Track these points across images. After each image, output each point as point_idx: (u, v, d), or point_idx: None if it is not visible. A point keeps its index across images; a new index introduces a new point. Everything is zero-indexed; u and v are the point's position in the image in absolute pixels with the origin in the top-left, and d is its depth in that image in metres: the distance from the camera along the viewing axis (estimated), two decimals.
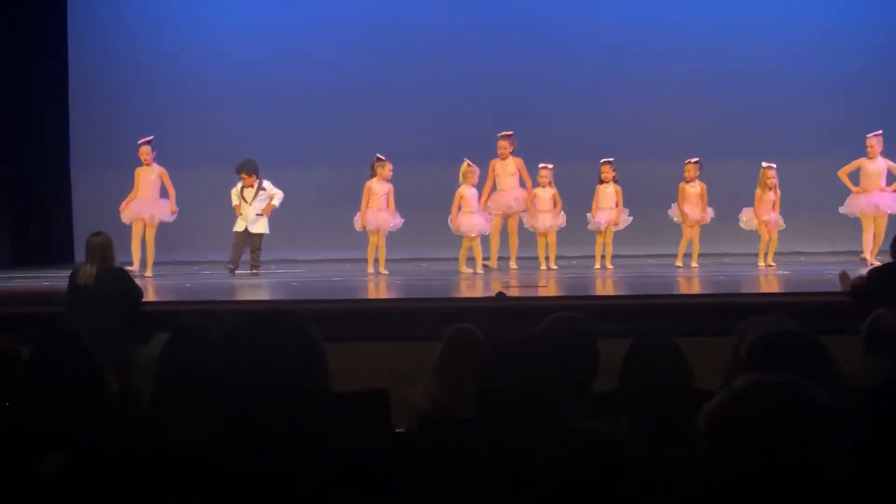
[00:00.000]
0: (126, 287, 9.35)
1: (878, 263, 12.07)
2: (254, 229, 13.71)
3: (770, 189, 13.51)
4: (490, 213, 13.77)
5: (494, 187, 13.86)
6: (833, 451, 2.50)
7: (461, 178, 13.63)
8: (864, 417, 3.05)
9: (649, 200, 14.33)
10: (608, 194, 13.85)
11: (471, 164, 13.63)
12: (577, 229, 14.04)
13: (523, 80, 16.11)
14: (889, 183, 13.56)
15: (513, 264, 13.93)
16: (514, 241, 13.95)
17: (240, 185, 13.79)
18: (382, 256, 13.68)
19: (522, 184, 13.88)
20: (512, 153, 13.83)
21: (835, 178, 13.70)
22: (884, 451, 2.89)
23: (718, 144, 15.34)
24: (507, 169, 13.80)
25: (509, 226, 13.92)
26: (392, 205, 13.65)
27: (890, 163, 13.56)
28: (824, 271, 12.74)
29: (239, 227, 13.78)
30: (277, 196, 13.75)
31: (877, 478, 2.79)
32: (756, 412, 2.50)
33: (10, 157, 16.01)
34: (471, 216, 13.61)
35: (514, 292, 10.86)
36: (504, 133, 13.89)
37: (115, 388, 4.64)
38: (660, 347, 4.64)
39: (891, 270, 8.37)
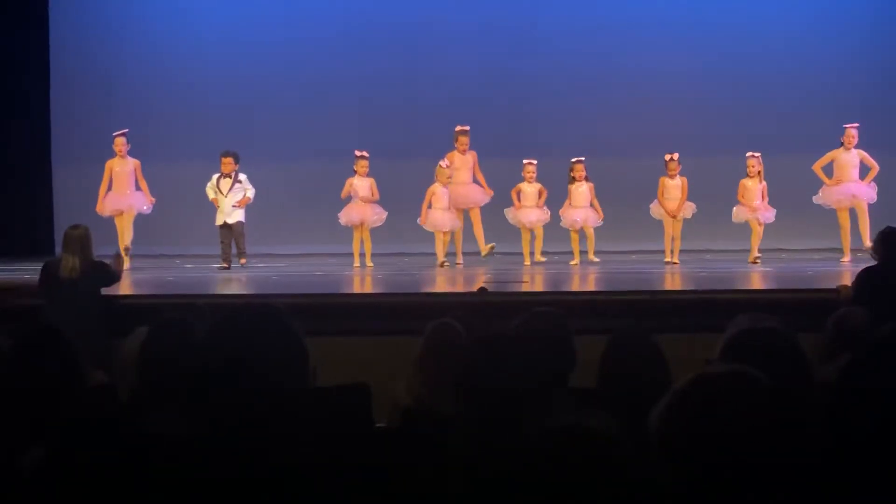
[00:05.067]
0: (109, 279, 9.34)
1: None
2: (231, 220, 13.71)
3: (752, 178, 13.58)
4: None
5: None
6: (782, 432, 2.53)
7: (435, 176, 13.77)
8: (827, 411, 3.08)
9: (631, 197, 14.36)
10: (581, 193, 13.88)
11: (442, 165, 13.73)
12: (558, 225, 14.07)
13: (504, 75, 16.13)
14: (862, 175, 13.58)
15: (482, 246, 14.01)
16: (478, 229, 14.03)
17: (215, 177, 13.77)
18: (368, 250, 13.81)
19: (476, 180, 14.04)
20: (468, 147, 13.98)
21: (815, 175, 13.74)
22: (847, 443, 2.91)
23: (699, 141, 15.36)
24: (467, 163, 13.90)
25: (471, 216, 13.99)
26: (375, 196, 13.74)
27: (863, 154, 13.56)
28: (806, 268, 12.80)
29: (219, 220, 13.78)
30: (251, 191, 13.78)
31: (842, 468, 2.81)
32: (700, 405, 2.54)
33: None
34: (441, 212, 13.73)
35: (496, 288, 10.86)
36: (465, 128, 13.95)
37: (96, 382, 4.64)
38: (637, 344, 4.65)
39: (877, 273, 8.30)
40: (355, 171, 13.74)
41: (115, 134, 13.71)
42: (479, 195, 14.00)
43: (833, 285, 9.48)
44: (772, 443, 2.52)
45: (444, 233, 13.83)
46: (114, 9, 16.64)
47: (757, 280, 12.37)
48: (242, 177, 13.78)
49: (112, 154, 13.72)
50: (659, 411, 2.59)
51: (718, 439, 2.49)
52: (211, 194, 13.84)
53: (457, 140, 13.95)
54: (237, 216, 13.74)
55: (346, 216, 13.83)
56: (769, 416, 2.53)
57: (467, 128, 13.99)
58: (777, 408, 2.55)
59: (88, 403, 3.99)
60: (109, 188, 13.71)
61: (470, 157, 13.97)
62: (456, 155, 13.93)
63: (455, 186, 13.90)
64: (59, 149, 16.42)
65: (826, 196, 13.62)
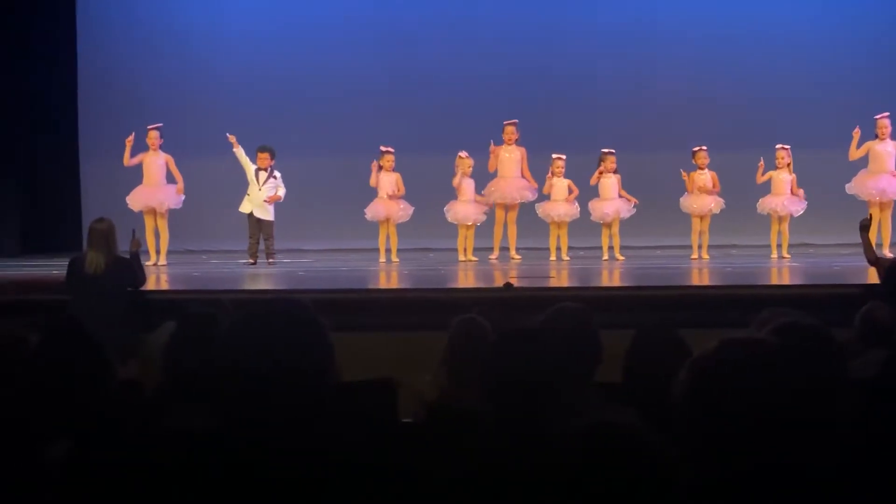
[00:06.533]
0: (133, 274, 9.36)
1: (890, 255, 12.09)
2: (261, 215, 13.72)
3: (781, 169, 13.56)
4: (488, 202, 13.85)
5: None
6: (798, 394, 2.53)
7: (456, 169, 13.72)
8: (860, 407, 3.06)
9: (656, 192, 14.33)
10: (611, 185, 13.86)
11: (462, 156, 13.71)
12: (584, 220, 14.06)
13: (531, 70, 16.13)
14: None
15: (514, 254, 13.96)
16: (512, 230, 13.99)
17: (253, 167, 13.79)
18: (394, 245, 13.83)
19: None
20: (516, 141, 13.89)
21: (843, 168, 13.67)
22: (881, 441, 2.89)
23: (727, 135, 15.32)
24: (514, 156, 13.85)
25: (508, 216, 13.94)
26: (401, 191, 13.74)
27: None
28: (832, 263, 12.74)
29: (245, 208, 13.78)
30: (282, 189, 13.80)
31: (874, 467, 2.79)
32: (722, 369, 2.53)
33: (20, 146, 16.05)
34: (466, 205, 13.73)
35: (522, 283, 10.85)
36: (511, 120, 13.94)
37: (122, 377, 4.65)
38: (663, 339, 4.63)
39: None
40: (381, 167, 13.76)
41: (149, 127, 13.79)
42: (524, 190, 13.90)
43: (861, 280, 9.44)
44: (794, 415, 2.50)
45: (468, 227, 13.83)
46: (141, 4, 16.69)
47: (783, 275, 12.32)
48: (277, 174, 13.81)
49: (143, 148, 13.78)
50: (681, 378, 2.58)
51: (739, 405, 2.48)
52: (243, 162, 13.80)
53: (504, 132, 13.90)
54: (267, 214, 13.74)
55: (372, 211, 13.85)
56: (790, 384, 2.52)
57: (515, 120, 13.96)
58: (797, 377, 2.54)
59: (114, 398, 4.00)
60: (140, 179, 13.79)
61: (517, 152, 13.90)
62: (503, 148, 13.89)
63: (500, 180, 13.88)
64: (86, 144, 16.48)
65: (858, 185, 13.52)
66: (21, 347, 4.32)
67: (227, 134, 13.78)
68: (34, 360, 4.07)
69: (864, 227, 9.20)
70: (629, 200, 13.85)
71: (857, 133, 13.43)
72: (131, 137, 13.69)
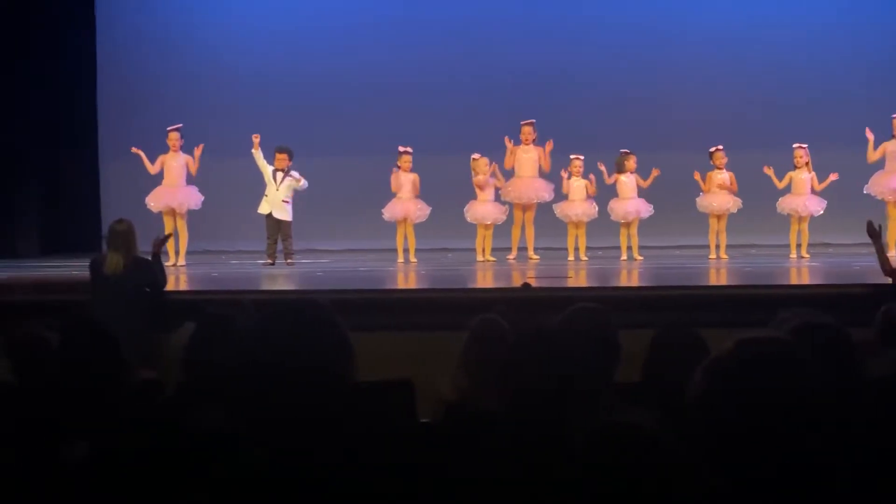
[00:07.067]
0: (153, 275, 9.36)
1: None
2: (279, 216, 13.73)
3: (800, 168, 13.54)
4: (505, 202, 13.86)
5: (512, 173, 13.95)
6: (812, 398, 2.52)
7: (472, 171, 13.72)
8: (878, 407, 3.05)
9: (674, 192, 14.31)
10: (629, 185, 13.85)
11: (475, 157, 13.72)
12: (602, 220, 14.05)
13: (548, 71, 16.12)
14: None
15: (532, 254, 13.96)
16: (530, 230, 13.98)
17: (270, 168, 13.82)
18: (412, 245, 13.83)
19: (541, 174, 13.94)
20: (534, 141, 13.87)
21: (861, 168, 13.63)
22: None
23: (744, 135, 15.29)
24: (530, 156, 13.83)
25: (525, 216, 13.93)
26: (416, 192, 13.76)
27: None
28: (852, 263, 12.70)
29: (263, 209, 13.79)
30: (303, 182, 13.76)
31: (892, 466, 2.78)
32: (738, 367, 2.52)
33: (39, 147, 16.10)
34: (485, 205, 13.73)
35: (540, 283, 10.85)
36: (528, 120, 13.92)
37: (142, 377, 4.67)
38: (682, 339, 4.62)
39: None
40: (399, 167, 13.78)
41: (169, 128, 13.84)
42: (541, 190, 13.88)
43: (880, 280, 9.40)
44: (812, 414, 2.50)
45: (486, 226, 13.85)
46: (160, 4, 16.74)
47: (803, 275, 12.29)
48: (294, 173, 13.81)
49: (163, 148, 13.83)
50: (698, 378, 2.58)
51: (756, 405, 2.48)
52: (260, 164, 13.81)
53: (521, 132, 13.89)
54: (285, 214, 13.75)
55: (390, 212, 13.87)
56: (808, 383, 2.52)
57: (532, 120, 13.95)
58: (815, 377, 2.54)
59: (134, 398, 4.01)
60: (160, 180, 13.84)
61: (534, 152, 13.86)
62: (521, 148, 13.88)
63: (517, 180, 13.87)
64: (105, 145, 16.53)
65: (874, 185, 13.51)
66: (42, 347, 4.34)
67: (253, 134, 13.77)
68: (55, 359, 4.10)
69: (873, 234, 9.04)
70: (652, 173, 13.80)
71: (869, 135, 13.42)
72: (136, 150, 13.78)
